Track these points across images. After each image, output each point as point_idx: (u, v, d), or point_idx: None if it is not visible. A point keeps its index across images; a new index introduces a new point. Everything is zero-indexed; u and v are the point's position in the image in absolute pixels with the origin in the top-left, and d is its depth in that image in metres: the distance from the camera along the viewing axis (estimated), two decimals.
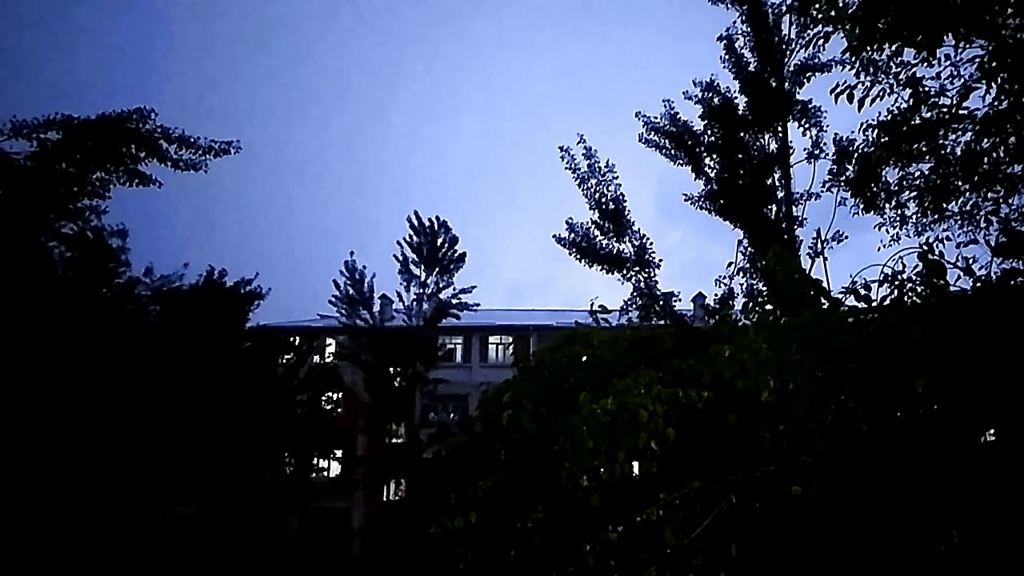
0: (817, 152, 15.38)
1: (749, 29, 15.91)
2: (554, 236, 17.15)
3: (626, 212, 16.33)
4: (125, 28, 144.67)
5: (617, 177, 16.51)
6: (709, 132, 16.40)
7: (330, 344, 34.98)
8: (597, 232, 16.60)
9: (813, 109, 15.52)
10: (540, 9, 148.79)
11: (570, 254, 17.00)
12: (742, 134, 16.06)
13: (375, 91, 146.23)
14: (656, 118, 16.84)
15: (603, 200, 16.43)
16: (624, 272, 16.18)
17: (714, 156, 16.36)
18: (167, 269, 21.21)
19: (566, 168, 16.74)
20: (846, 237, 14.59)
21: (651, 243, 16.13)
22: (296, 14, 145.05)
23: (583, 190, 16.64)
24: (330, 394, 29.68)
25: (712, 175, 16.33)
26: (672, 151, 16.74)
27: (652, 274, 15.95)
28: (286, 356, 27.77)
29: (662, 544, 5.74)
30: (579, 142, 16.66)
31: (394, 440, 31.74)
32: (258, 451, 21.12)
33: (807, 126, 15.56)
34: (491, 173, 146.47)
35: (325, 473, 33.61)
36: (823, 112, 15.45)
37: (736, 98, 16.30)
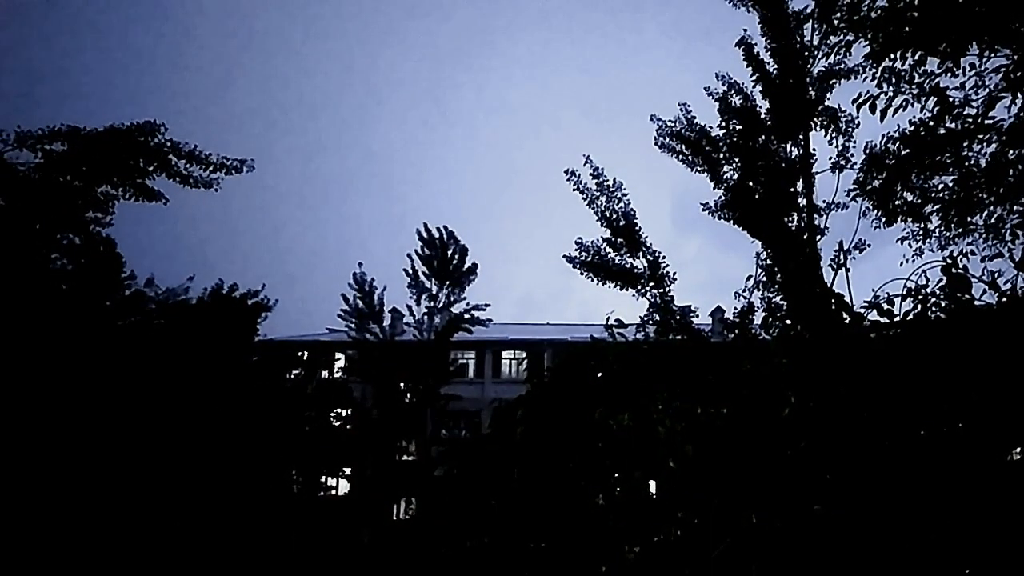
0: (843, 162, 15.06)
1: (770, 33, 15.64)
2: (565, 256, 16.97)
3: (637, 227, 16.18)
4: (134, 40, 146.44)
5: (627, 194, 16.37)
6: (728, 137, 16.11)
7: (339, 359, 34.83)
8: (609, 249, 16.44)
9: (843, 118, 15.13)
10: (556, 20, 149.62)
11: (581, 273, 16.81)
12: (762, 139, 15.80)
13: (386, 103, 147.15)
14: (672, 122, 16.60)
15: (614, 217, 16.29)
16: (638, 288, 16.01)
17: (734, 163, 16.11)
18: (171, 281, 21.13)
19: (574, 190, 16.58)
20: (868, 246, 14.28)
21: (664, 257, 15.94)
22: (308, 26, 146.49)
23: (593, 209, 16.49)
24: (339, 410, 29.46)
25: (731, 183, 16.06)
26: (689, 157, 16.51)
27: (667, 289, 15.76)
28: (294, 371, 27.59)
29: (680, 564, 5.57)
30: (585, 163, 16.53)
31: (405, 457, 31.51)
32: (265, 468, 20.92)
33: (835, 135, 15.22)
34: (503, 184, 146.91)
35: (333, 491, 33.37)
36: (856, 122, 15.08)
37: (757, 105, 16.03)
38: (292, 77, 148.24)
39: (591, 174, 16.48)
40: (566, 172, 16.61)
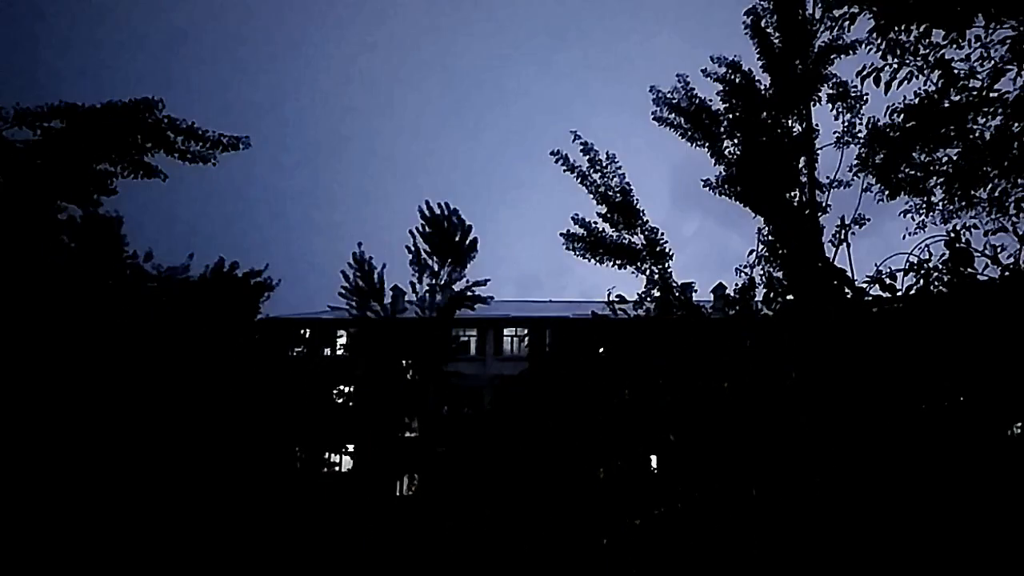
0: (848, 139, 14.82)
1: (771, 6, 15.32)
2: (562, 234, 16.58)
3: (634, 202, 15.87)
4: (135, 19, 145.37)
5: (621, 167, 16.00)
6: (730, 111, 15.78)
7: (341, 336, 34.87)
8: (606, 225, 16.09)
9: (852, 93, 14.80)
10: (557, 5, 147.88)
11: (577, 253, 16.37)
12: (764, 115, 15.54)
13: (385, 81, 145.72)
14: (670, 92, 16.23)
15: (609, 193, 15.95)
16: (637, 265, 15.79)
17: (735, 138, 15.81)
18: (172, 260, 21.10)
19: (564, 171, 16.12)
20: (868, 220, 14.15)
21: (662, 234, 15.65)
22: (306, 8, 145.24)
23: (586, 186, 16.05)
24: (341, 387, 29.54)
25: (732, 159, 15.78)
26: (688, 130, 16.18)
27: (666, 265, 15.56)
28: (296, 348, 27.62)
29: (681, 537, 5.60)
30: (574, 140, 16.12)
31: (407, 434, 31.66)
32: (267, 445, 21.01)
33: (843, 111, 14.94)
34: (503, 161, 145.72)
35: (336, 468, 33.55)
36: (865, 98, 14.78)
37: (758, 79, 15.75)
38: (291, 58, 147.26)
39: (581, 150, 16.02)
40: (552, 154, 15.97)
